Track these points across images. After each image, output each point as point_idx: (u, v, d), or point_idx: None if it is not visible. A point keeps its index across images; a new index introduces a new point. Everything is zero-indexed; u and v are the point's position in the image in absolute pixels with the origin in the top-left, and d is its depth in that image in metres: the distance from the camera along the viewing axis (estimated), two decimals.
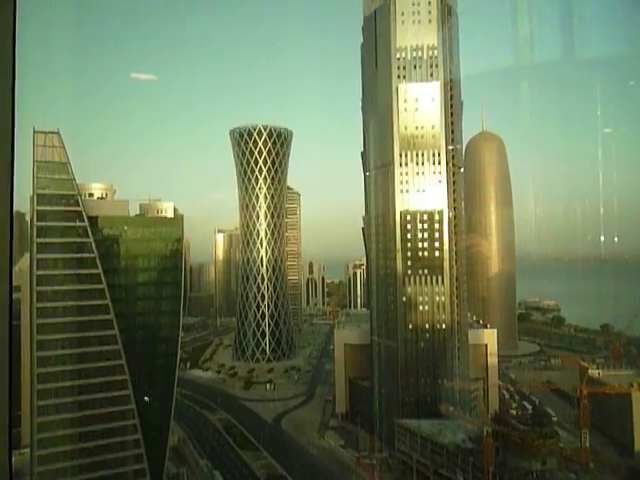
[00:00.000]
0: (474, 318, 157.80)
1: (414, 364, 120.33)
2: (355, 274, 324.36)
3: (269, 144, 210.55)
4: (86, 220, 68.78)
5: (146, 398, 74.21)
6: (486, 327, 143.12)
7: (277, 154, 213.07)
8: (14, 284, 6.41)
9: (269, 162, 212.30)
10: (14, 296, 6.61)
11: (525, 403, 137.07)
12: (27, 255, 65.57)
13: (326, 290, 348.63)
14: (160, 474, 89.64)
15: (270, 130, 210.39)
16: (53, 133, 67.98)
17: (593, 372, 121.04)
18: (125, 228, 71.96)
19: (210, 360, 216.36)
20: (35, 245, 65.99)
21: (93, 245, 68.98)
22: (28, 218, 66.68)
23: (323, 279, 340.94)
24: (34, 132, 66.97)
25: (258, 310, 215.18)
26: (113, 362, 69.22)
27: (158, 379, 75.41)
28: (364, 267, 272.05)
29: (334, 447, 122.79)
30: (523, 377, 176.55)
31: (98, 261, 69.17)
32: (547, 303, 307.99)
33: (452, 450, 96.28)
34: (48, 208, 67.03)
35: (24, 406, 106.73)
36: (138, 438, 78.47)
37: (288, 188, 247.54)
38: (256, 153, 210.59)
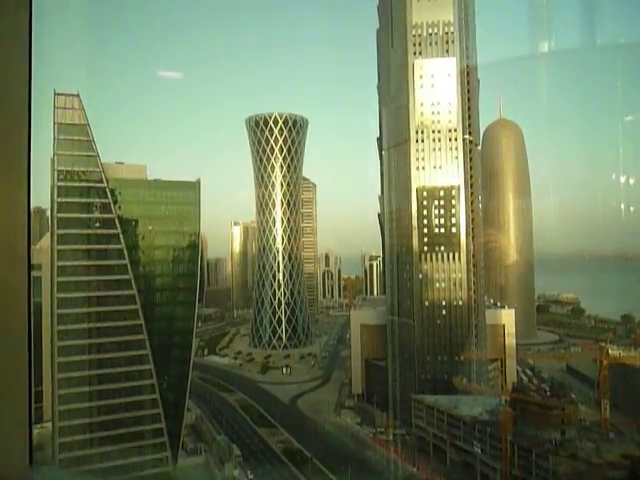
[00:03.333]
0: (491, 301, 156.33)
1: (431, 342, 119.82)
2: (371, 266, 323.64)
3: (285, 132, 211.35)
4: (105, 181, 69.99)
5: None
6: (504, 308, 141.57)
7: (292, 142, 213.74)
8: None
9: (285, 150, 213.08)
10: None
11: (544, 386, 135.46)
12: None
13: (342, 284, 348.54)
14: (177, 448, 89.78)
15: (286, 118, 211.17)
16: (73, 95, 69.35)
17: (614, 352, 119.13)
18: (143, 191, 73.07)
19: (227, 348, 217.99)
20: (56, 204, 67.37)
21: (112, 206, 70.16)
22: (49, 178, 68.07)
23: (339, 271, 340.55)
24: (54, 94, 68.44)
25: (274, 298, 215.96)
26: (133, 321, 70.33)
27: (177, 341, 76.31)
28: (380, 259, 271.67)
29: (350, 425, 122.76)
30: (541, 363, 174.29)
31: (117, 222, 70.32)
32: (566, 296, 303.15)
33: (469, 422, 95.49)
34: (68, 168, 68.39)
35: (45, 385, 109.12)
36: (158, 412, 78.77)
37: (304, 179, 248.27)
38: (272, 141, 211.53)
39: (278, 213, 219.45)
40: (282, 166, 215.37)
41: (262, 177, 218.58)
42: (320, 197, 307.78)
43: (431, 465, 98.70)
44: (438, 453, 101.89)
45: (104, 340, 70.68)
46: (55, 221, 67.31)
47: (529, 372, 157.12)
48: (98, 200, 69.94)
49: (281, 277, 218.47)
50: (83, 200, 69.43)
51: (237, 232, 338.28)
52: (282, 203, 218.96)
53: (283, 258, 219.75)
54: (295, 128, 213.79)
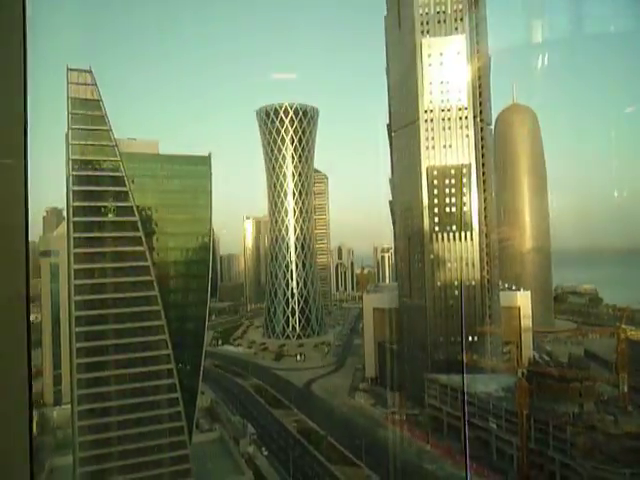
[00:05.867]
0: (506, 285, 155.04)
1: (443, 322, 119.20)
2: (383, 258, 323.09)
3: (295, 122, 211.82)
4: (119, 155, 71.01)
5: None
6: (519, 290, 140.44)
7: (303, 132, 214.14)
8: None
9: (295, 140, 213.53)
10: None
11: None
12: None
13: (355, 278, 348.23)
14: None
15: (296, 108, 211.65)
16: (86, 71, 70.47)
17: (632, 332, 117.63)
18: (155, 165, 74.01)
19: (241, 338, 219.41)
20: (72, 178, 68.52)
21: (126, 180, 71.14)
22: (64, 152, 69.23)
23: (352, 264, 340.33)
24: (67, 69, 69.60)
25: (287, 288, 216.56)
26: (148, 293, 71.25)
27: (191, 312, 77.01)
28: (392, 250, 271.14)
29: (364, 406, 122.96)
30: (560, 350, 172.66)
31: (131, 195, 71.27)
32: (584, 287, 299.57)
33: (484, 398, 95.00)
34: (82, 142, 69.53)
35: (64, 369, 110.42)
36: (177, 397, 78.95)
37: (316, 171, 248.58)
38: (282, 131, 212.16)
39: (290, 204, 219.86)
40: (293, 156, 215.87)
41: (273, 168, 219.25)
42: (332, 189, 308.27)
43: (445, 442, 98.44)
44: (452, 431, 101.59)
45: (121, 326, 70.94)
46: (71, 194, 68.42)
47: (546, 357, 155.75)
48: (112, 174, 70.95)
49: (294, 268, 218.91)
50: (97, 173, 70.49)
51: (249, 227, 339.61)
52: (294, 193, 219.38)
53: (295, 249, 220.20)
54: (306, 118, 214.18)
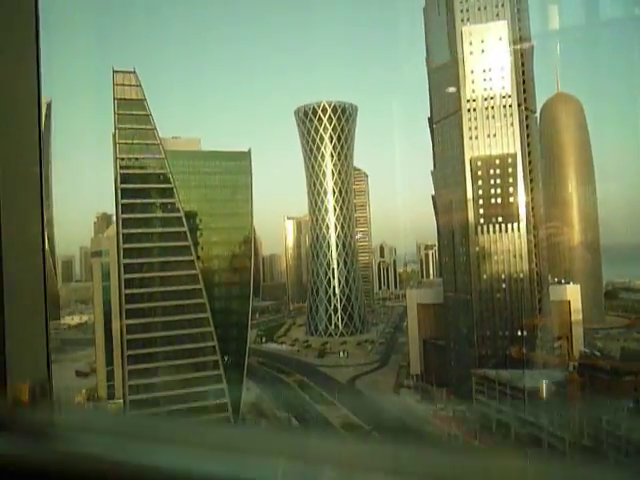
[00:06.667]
0: (555, 279, 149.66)
1: (490, 316, 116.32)
2: (427, 255, 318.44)
3: (334, 120, 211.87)
4: (164, 152, 73.06)
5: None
6: (568, 283, 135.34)
7: (342, 130, 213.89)
8: None
9: (334, 138, 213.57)
10: None
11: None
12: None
13: (398, 276, 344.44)
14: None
15: (334, 106, 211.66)
16: (130, 72, 72.91)
17: None
18: (198, 161, 75.76)
19: (284, 336, 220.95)
20: (119, 176, 71.03)
21: (171, 176, 73.11)
22: (111, 151, 71.89)
23: (394, 262, 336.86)
24: (113, 72, 72.24)
25: (329, 286, 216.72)
26: (193, 286, 72.96)
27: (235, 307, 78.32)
28: (436, 247, 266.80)
29: (409, 402, 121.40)
30: (612, 347, 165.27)
31: (175, 191, 73.20)
32: (638, 283, 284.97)
33: (535, 394, 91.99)
34: (129, 141, 71.99)
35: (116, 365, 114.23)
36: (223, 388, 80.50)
37: (356, 169, 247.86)
38: (321, 130, 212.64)
39: (330, 202, 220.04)
40: (332, 155, 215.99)
41: (313, 167, 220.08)
42: (373, 188, 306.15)
43: (494, 438, 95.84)
44: (501, 427, 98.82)
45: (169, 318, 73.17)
46: (119, 192, 70.92)
47: (598, 354, 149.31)
48: (158, 171, 73.08)
49: (335, 266, 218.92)
50: (144, 172, 72.78)
51: (290, 227, 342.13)
52: (334, 192, 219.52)
53: (337, 247, 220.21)
54: (344, 115, 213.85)
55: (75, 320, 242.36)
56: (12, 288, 2.73)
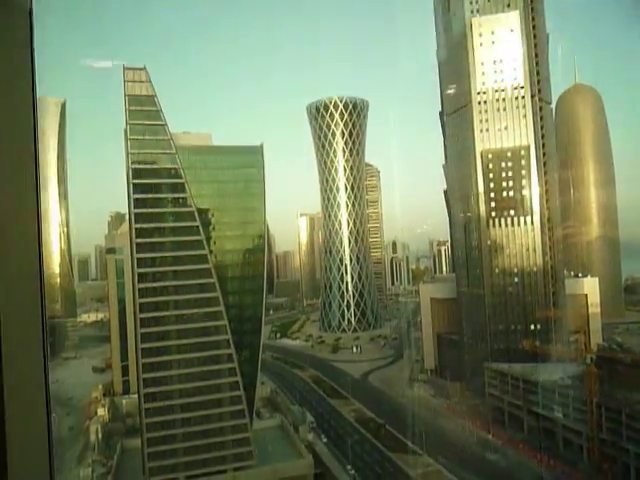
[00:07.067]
0: (572, 274, 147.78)
1: (502, 311, 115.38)
2: (439, 251, 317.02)
3: (345, 115, 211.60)
4: (174, 148, 73.74)
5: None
6: (586, 277, 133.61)
7: (354, 125, 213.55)
8: None
9: (346, 134, 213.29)
10: None
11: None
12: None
13: (410, 272, 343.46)
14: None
15: (346, 101, 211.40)
16: (140, 69, 73.67)
17: None
18: (209, 156, 76.31)
19: (298, 332, 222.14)
20: (131, 170, 71.85)
21: (182, 171, 73.76)
22: (123, 148, 72.75)
23: (407, 258, 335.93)
24: (123, 68, 73.08)
25: (342, 282, 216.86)
26: (206, 280, 73.60)
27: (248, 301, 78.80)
28: (448, 243, 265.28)
29: (423, 396, 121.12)
30: (631, 341, 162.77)
31: (187, 186, 73.84)
32: None
33: (549, 387, 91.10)
34: (140, 137, 72.77)
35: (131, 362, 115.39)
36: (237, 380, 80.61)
37: (367, 164, 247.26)
38: (333, 126, 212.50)
39: (342, 198, 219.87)
40: (344, 150, 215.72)
41: (325, 163, 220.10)
42: (385, 183, 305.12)
43: (508, 432, 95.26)
44: (514, 421, 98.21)
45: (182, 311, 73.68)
46: (131, 187, 71.75)
47: (616, 347, 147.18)
48: (169, 166, 73.81)
49: (348, 262, 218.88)
50: (155, 167, 73.56)
51: (303, 224, 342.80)
52: (346, 188, 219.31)
53: (349, 243, 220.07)
54: (355, 111, 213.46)
55: (91, 318, 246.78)
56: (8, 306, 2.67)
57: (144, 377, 79.34)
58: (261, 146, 79.54)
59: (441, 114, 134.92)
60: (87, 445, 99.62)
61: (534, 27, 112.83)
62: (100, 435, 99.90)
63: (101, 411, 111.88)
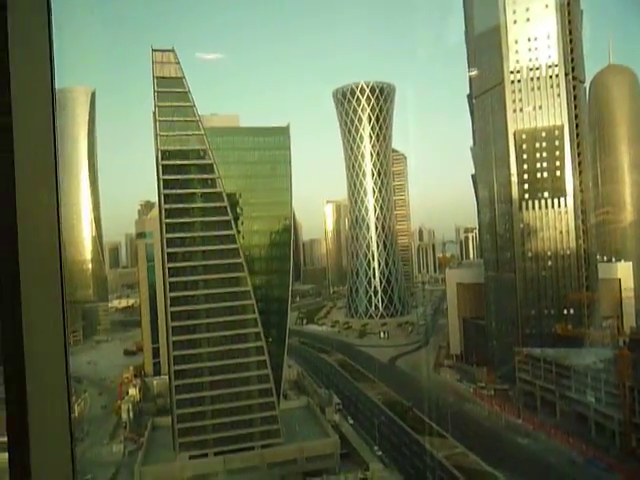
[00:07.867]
0: (604, 258, 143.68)
1: (535, 295, 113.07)
2: (467, 238, 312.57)
3: (372, 100, 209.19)
4: (203, 129, 74.19)
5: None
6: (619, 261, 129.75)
7: (380, 110, 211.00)
8: None
9: (373, 119, 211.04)
10: None
11: None
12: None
13: (437, 260, 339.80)
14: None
15: (372, 86, 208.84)
16: (169, 51, 74.11)
17: None
18: (237, 137, 76.53)
19: (325, 318, 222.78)
20: (160, 152, 72.65)
21: (210, 152, 74.21)
22: (152, 128, 73.51)
23: (433, 245, 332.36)
24: (152, 50, 73.58)
25: (369, 268, 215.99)
26: (234, 260, 74.23)
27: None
28: (476, 230, 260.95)
29: (450, 381, 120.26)
30: None
31: (215, 167, 74.31)
32: None
33: (581, 372, 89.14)
34: (169, 119, 73.40)
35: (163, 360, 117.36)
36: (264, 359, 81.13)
37: (394, 150, 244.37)
38: (359, 111, 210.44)
39: (369, 184, 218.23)
40: (371, 136, 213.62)
41: (351, 148, 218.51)
42: (412, 169, 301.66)
43: (539, 417, 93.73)
44: (546, 406, 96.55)
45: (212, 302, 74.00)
46: (160, 168, 72.59)
47: None
48: (197, 147, 74.33)
49: (375, 248, 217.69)
50: (184, 148, 74.18)
51: (329, 211, 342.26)
52: (372, 174, 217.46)
53: (376, 229, 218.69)
54: (382, 96, 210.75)
55: (122, 303, 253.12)
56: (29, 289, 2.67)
57: (174, 354, 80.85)
58: (288, 127, 79.32)
59: (469, 96, 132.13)
60: (119, 423, 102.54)
61: (569, 3, 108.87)
62: (132, 414, 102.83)
63: (132, 391, 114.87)
